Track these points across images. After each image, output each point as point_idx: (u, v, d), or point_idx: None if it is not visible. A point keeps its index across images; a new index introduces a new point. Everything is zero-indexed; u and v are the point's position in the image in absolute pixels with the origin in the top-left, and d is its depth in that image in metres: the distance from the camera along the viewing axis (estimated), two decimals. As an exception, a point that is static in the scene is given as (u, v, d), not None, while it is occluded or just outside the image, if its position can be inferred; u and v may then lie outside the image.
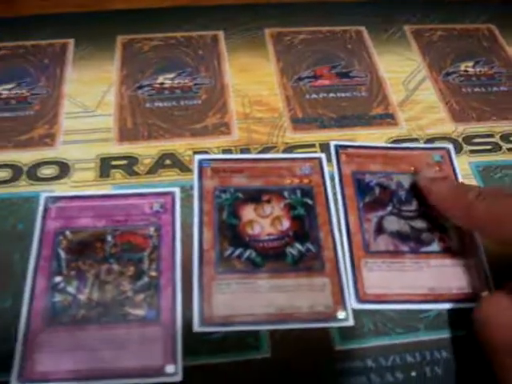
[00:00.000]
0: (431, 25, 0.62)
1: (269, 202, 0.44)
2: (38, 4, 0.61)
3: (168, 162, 0.47)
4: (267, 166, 0.47)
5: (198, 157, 0.47)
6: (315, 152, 0.48)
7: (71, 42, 0.57)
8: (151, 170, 0.47)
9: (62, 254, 0.41)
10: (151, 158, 0.47)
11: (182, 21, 0.60)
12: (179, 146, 0.48)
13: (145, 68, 0.55)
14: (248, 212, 0.44)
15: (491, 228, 0.37)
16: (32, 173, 0.46)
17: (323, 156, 0.48)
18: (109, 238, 0.42)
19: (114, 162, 0.47)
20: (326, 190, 0.46)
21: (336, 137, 0.50)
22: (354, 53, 0.58)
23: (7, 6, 0.61)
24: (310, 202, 0.45)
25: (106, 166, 0.47)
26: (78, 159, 0.47)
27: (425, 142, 0.50)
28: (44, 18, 0.60)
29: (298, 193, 0.45)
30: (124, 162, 0.47)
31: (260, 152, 0.48)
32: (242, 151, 0.48)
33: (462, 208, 0.39)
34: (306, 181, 0.46)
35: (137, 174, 0.46)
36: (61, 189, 0.45)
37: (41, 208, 0.44)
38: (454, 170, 0.48)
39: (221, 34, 0.59)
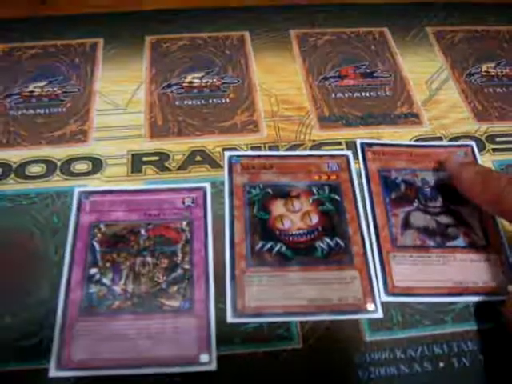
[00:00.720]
0: (453, 26, 0.63)
1: (298, 197, 0.45)
2: (68, 4, 0.62)
3: (198, 158, 0.48)
4: (295, 162, 0.48)
5: (227, 153, 0.48)
6: (342, 149, 0.49)
7: (101, 41, 0.59)
8: (182, 166, 0.48)
9: (97, 247, 0.42)
10: (182, 154, 0.48)
11: (209, 21, 0.61)
12: (209, 142, 0.50)
13: (173, 67, 0.56)
14: (278, 207, 0.45)
15: None
16: (65, 168, 0.47)
17: (350, 153, 0.49)
18: (142, 232, 0.43)
19: (145, 158, 0.48)
20: (353, 186, 0.46)
21: (361, 135, 0.51)
22: (378, 53, 0.59)
23: (39, 6, 0.62)
24: (337, 197, 0.46)
25: (137, 162, 0.48)
26: (109, 155, 0.48)
27: (448, 141, 0.51)
28: (74, 18, 0.61)
29: (326, 189, 0.46)
30: (155, 158, 0.48)
31: (288, 149, 0.49)
32: (271, 148, 0.49)
33: (493, 194, 0.39)
34: (333, 177, 0.47)
35: (168, 169, 0.47)
36: (93, 184, 0.47)
37: (75, 202, 0.45)
38: None
39: (247, 35, 0.60)
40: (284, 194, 0.45)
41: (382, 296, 0.41)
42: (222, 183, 0.46)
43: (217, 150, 0.49)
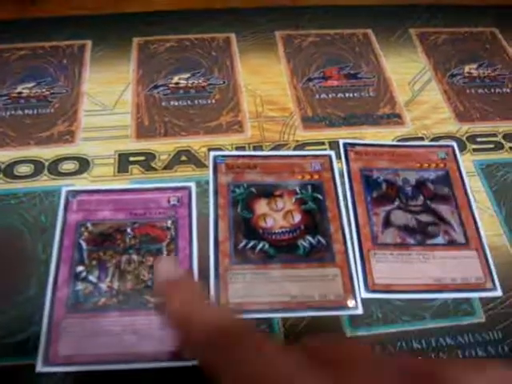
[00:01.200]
0: (436, 28, 0.64)
1: (281, 196, 0.46)
2: (56, 6, 0.63)
3: (184, 158, 0.49)
4: (279, 162, 0.49)
5: (212, 153, 0.49)
6: (325, 149, 0.50)
7: (89, 43, 0.59)
8: (168, 166, 0.49)
9: (84, 245, 0.43)
10: (168, 154, 0.49)
11: (196, 23, 0.62)
12: (194, 143, 0.50)
13: (160, 68, 0.57)
14: (261, 206, 0.46)
15: None
16: (53, 168, 0.48)
17: (333, 153, 0.49)
18: (128, 230, 0.44)
19: (131, 158, 0.49)
20: (335, 185, 0.47)
21: (344, 135, 0.52)
22: (362, 55, 0.60)
23: (27, 7, 0.63)
24: (320, 197, 0.47)
25: (124, 162, 0.49)
26: (97, 155, 0.49)
27: (430, 141, 0.52)
28: (62, 20, 0.62)
29: (309, 188, 0.47)
30: (142, 157, 0.49)
31: (272, 149, 0.50)
32: (255, 148, 0.50)
33: None
34: (316, 177, 0.48)
35: (154, 169, 0.48)
36: (81, 183, 0.47)
37: (62, 201, 0.46)
38: (458, 166, 0.50)
39: (233, 36, 0.61)
40: (267, 193, 0.46)
41: (362, 292, 0.42)
42: (207, 183, 0.47)
43: (202, 150, 0.50)
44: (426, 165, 0.50)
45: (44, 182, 0.47)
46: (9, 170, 0.48)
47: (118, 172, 0.48)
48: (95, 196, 0.46)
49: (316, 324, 0.40)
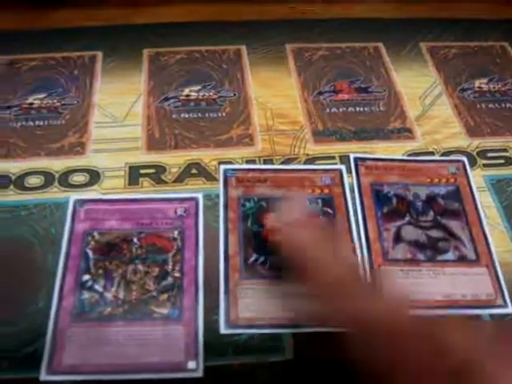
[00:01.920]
0: (446, 42, 0.64)
1: (291, 210, 0.46)
2: (67, 17, 0.63)
3: (194, 171, 0.49)
4: (289, 176, 0.49)
5: (223, 167, 0.49)
6: (335, 164, 0.50)
7: (100, 54, 0.59)
8: (178, 179, 0.49)
9: (90, 254, 0.43)
10: (178, 167, 0.49)
11: (206, 35, 0.62)
12: (205, 156, 0.50)
13: (171, 80, 0.57)
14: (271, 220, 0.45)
15: None
16: (63, 180, 0.48)
17: (343, 168, 0.49)
18: (134, 240, 0.44)
19: (142, 171, 0.49)
20: (345, 200, 0.47)
21: (355, 149, 0.52)
22: (372, 69, 0.60)
23: (39, 18, 0.63)
24: (330, 211, 0.46)
25: (134, 174, 0.49)
26: (107, 167, 0.49)
27: (441, 156, 0.52)
28: (74, 31, 0.62)
29: (319, 202, 0.47)
30: (152, 170, 0.49)
31: (282, 163, 0.50)
32: (266, 162, 0.50)
33: None
34: (326, 191, 0.48)
35: (164, 182, 0.48)
36: (91, 195, 0.47)
37: (70, 210, 0.46)
38: (468, 181, 0.50)
39: (243, 49, 0.61)
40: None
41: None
42: (218, 196, 0.47)
43: (212, 163, 0.49)
44: (437, 180, 0.49)
45: (54, 193, 0.47)
46: (19, 182, 0.48)
47: (129, 185, 0.48)
48: (102, 205, 0.46)
49: (325, 339, 0.40)
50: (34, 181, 0.48)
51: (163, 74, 0.57)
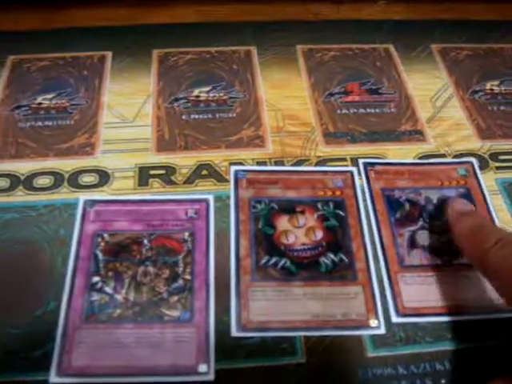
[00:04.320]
0: (458, 44, 0.64)
1: (302, 212, 0.46)
2: (76, 17, 0.63)
3: (205, 172, 0.49)
4: (301, 178, 0.48)
5: (233, 168, 0.48)
6: (346, 166, 0.50)
7: (109, 54, 0.59)
8: (188, 180, 0.48)
9: (100, 255, 0.43)
10: (188, 168, 0.49)
11: (216, 36, 0.62)
12: (215, 157, 0.50)
13: (180, 81, 0.56)
14: (282, 222, 0.45)
15: (503, 282, 0.35)
16: (73, 180, 0.48)
17: (355, 170, 0.49)
18: (145, 242, 0.44)
19: (152, 172, 0.49)
20: (357, 202, 0.47)
21: (366, 151, 0.51)
22: (383, 70, 0.59)
23: (47, 18, 0.63)
24: (342, 213, 0.46)
25: (144, 175, 0.48)
26: (117, 168, 0.49)
27: (452, 158, 0.51)
28: (83, 31, 0.62)
29: (331, 205, 0.47)
30: (162, 171, 0.49)
31: (294, 164, 0.49)
32: (276, 163, 0.49)
33: (478, 253, 0.37)
34: (338, 193, 0.47)
35: (174, 183, 0.48)
36: (101, 196, 0.47)
37: (79, 211, 0.46)
38: (479, 183, 0.49)
39: (253, 50, 0.61)
40: (289, 209, 0.46)
41: (393, 317, 0.41)
42: (228, 197, 0.47)
43: (223, 164, 0.49)
44: (447, 182, 0.49)
45: (64, 194, 0.47)
46: (28, 182, 0.47)
47: (139, 185, 0.47)
48: (113, 206, 0.46)
49: (338, 343, 0.40)
50: (43, 181, 0.48)
51: (173, 74, 0.57)
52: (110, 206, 0.46)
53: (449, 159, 0.51)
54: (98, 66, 0.58)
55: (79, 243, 0.44)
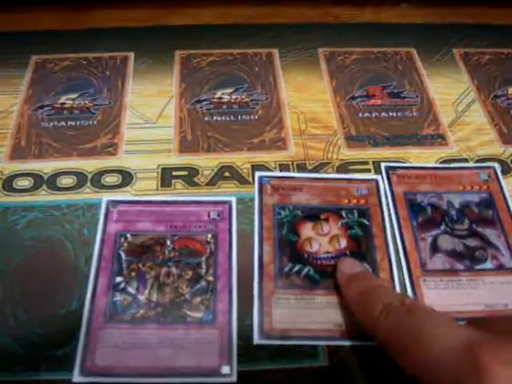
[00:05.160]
0: (479, 48, 0.63)
1: (327, 220, 0.46)
2: (99, 18, 0.63)
3: (227, 174, 0.49)
4: (325, 185, 0.48)
5: (258, 173, 0.48)
6: (368, 169, 0.50)
7: (131, 55, 0.59)
8: (211, 182, 0.48)
9: (123, 256, 0.43)
10: (211, 169, 0.49)
11: (239, 38, 0.62)
12: (238, 158, 0.50)
13: (203, 83, 0.57)
14: (306, 229, 0.45)
15: (394, 353, 0.32)
16: (96, 180, 0.48)
17: (379, 178, 0.49)
18: (168, 243, 0.44)
19: (174, 173, 0.49)
20: (382, 211, 0.47)
21: (388, 155, 0.51)
22: (405, 74, 0.59)
23: (69, 19, 0.63)
24: (366, 222, 0.46)
25: (167, 176, 0.49)
26: (140, 169, 0.49)
27: (474, 163, 0.51)
28: (105, 32, 0.62)
29: (355, 213, 0.46)
30: (184, 172, 0.49)
31: (316, 167, 0.49)
32: (298, 166, 0.49)
33: (368, 322, 0.35)
34: (362, 201, 0.47)
35: (197, 184, 0.48)
36: (124, 196, 0.47)
37: (103, 211, 0.46)
38: (501, 188, 0.49)
39: (275, 52, 0.61)
40: (313, 216, 0.46)
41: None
42: (251, 199, 0.47)
43: (245, 166, 0.49)
44: (469, 187, 0.49)
45: (87, 194, 0.47)
46: (51, 182, 0.48)
47: (162, 186, 0.48)
48: (136, 207, 0.46)
49: (361, 352, 0.40)
50: (66, 181, 0.48)
51: (195, 76, 0.57)
52: (133, 206, 0.46)
53: (471, 164, 0.51)
54: (120, 67, 0.58)
55: (102, 243, 0.44)
